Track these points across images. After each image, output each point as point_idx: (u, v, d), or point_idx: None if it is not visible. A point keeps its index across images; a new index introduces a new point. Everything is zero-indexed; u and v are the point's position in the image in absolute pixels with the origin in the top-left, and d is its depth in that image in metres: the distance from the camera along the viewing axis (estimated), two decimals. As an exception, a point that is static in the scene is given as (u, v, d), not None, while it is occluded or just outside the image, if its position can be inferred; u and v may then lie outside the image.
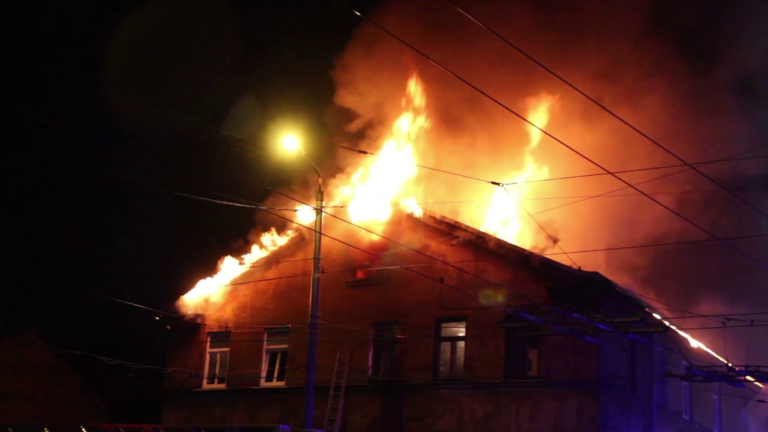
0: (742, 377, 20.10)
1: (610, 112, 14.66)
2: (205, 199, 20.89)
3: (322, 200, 22.30)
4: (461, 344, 24.42)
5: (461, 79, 14.06)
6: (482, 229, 25.02)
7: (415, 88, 26.75)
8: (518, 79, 25.29)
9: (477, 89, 13.01)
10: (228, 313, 27.84)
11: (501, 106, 14.35)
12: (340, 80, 26.70)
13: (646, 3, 27.48)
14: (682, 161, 16.36)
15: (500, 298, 22.12)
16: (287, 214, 24.62)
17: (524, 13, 26.49)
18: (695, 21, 27.33)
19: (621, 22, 27.32)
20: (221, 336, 27.88)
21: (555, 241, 22.05)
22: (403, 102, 26.77)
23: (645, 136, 14.84)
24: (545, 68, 12.99)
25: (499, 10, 25.73)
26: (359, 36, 26.66)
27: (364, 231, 24.36)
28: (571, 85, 13.88)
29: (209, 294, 27.95)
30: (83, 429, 20.16)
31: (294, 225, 26.19)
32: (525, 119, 14.90)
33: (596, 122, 24.42)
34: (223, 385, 27.73)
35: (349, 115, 26.45)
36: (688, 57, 27.41)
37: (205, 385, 27.97)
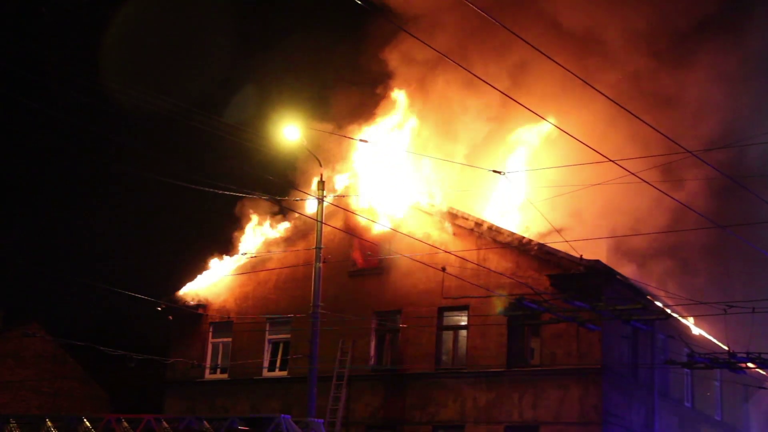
0: (744, 364, 20.12)
1: (617, 103, 14.64)
2: (208, 189, 20.88)
3: (323, 190, 22.28)
4: (463, 333, 24.45)
5: (462, 67, 14.08)
6: (484, 218, 25.01)
7: (417, 77, 26.70)
8: (520, 63, 25.26)
9: (482, 79, 13.00)
10: (230, 303, 27.87)
11: (501, 93, 14.35)
12: (343, 70, 26.68)
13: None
14: (684, 149, 16.34)
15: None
16: (289, 203, 24.61)
17: None
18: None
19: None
20: (223, 326, 27.91)
21: (558, 230, 22.03)
22: (405, 92, 26.71)
23: (648, 124, 14.84)
24: (553, 60, 12.98)
25: None
26: (362, 24, 26.63)
27: (365, 220, 24.36)
28: (584, 81, 13.86)
29: (211, 284, 27.98)
30: (85, 419, 20.18)
31: (296, 215, 26.19)
32: (529, 108, 14.85)
33: (598, 108, 24.35)
34: (225, 375, 27.78)
35: (351, 103, 26.41)
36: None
37: (208, 375, 28.02)
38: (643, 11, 26.36)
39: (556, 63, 13.45)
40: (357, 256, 26.00)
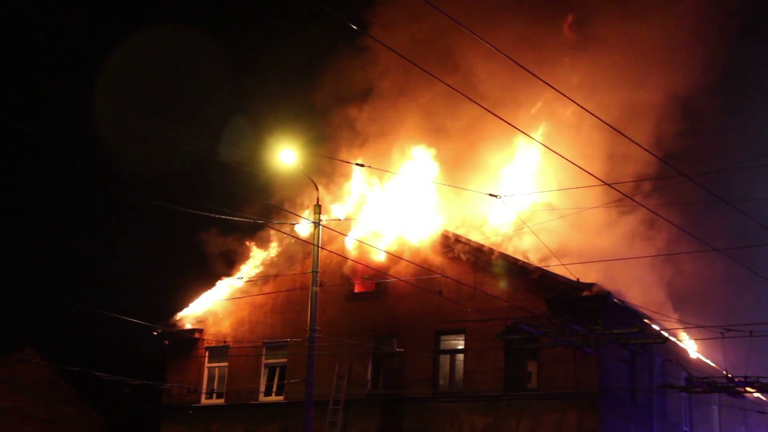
0: (742, 388, 20.07)
1: (607, 124, 14.68)
2: (204, 213, 20.87)
3: (319, 214, 22.26)
4: (460, 357, 24.37)
5: (456, 90, 14.11)
6: (480, 242, 25.00)
7: (412, 100, 26.80)
8: (514, 86, 25.38)
9: (477, 103, 13.04)
10: (226, 328, 27.77)
11: (497, 117, 14.38)
12: (337, 94, 26.75)
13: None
14: (679, 172, 16.38)
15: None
16: (286, 228, 24.59)
17: (519, 20, 26.63)
18: None
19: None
20: (220, 350, 27.79)
21: (555, 254, 22.02)
22: (400, 115, 26.80)
23: (643, 148, 14.89)
24: (541, 80, 13.03)
25: (490, 17, 25.96)
26: (354, 49, 26.73)
27: (362, 244, 24.35)
28: (568, 97, 13.91)
29: (207, 308, 27.90)
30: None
31: (292, 239, 26.15)
32: (523, 131, 14.93)
33: (593, 130, 24.45)
34: (221, 400, 27.62)
35: (346, 128, 26.45)
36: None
37: (204, 401, 27.85)
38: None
39: (552, 87, 13.51)
40: (354, 280, 25.96)
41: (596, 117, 14.26)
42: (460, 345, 24.42)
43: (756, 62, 29.10)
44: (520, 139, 25.64)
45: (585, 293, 22.03)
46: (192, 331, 27.90)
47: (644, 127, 25.66)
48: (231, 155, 20.81)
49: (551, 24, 27.22)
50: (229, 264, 27.55)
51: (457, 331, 24.17)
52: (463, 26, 12.32)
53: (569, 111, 24.99)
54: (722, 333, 19.01)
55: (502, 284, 23.57)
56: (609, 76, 26.48)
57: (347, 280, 25.93)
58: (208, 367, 28.04)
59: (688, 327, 23.41)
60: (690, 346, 25.39)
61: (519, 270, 23.54)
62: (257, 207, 23.72)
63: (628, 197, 16.87)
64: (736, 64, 28.26)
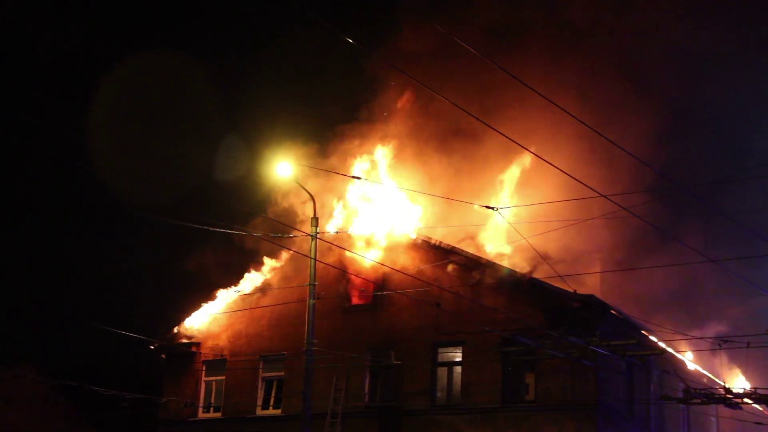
0: (740, 399, 20.07)
1: (601, 134, 14.72)
2: (200, 226, 20.83)
3: (316, 226, 22.26)
4: (458, 369, 24.34)
5: (455, 104, 14.17)
6: (477, 254, 25.01)
7: (408, 113, 26.87)
8: (507, 97, 25.47)
9: (473, 116, 13.08)
10: (223, 341, 27.73)
11: (492, 129, 14.43)
12: (335, 106, 26.84)
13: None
14: (675, 183, 16.43)
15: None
16: (282, 240, 24.58)
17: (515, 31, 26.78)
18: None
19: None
20: (217, 364, 27.74)
21: (552, 265, 22.03)
22: (397, 127, 26.87)
23: (639, 159, 14.92)
24: (535, 90, 13.08)
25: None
26: (352, 62, 26.83)
27: (359, 257, 24.35)
28: (559, 107, 13.95)
29: (204, 322, 27.86)
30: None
31: (289, 252, 26.15)
32: (519, 143, 14.96)
33: (587, 142, 24.51)
34: (218, 414, 27.55)
35: (343, 141, 26.50)
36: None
37: (201, 415, 27.78)
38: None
39: (547, 99, 13.56)
40: (351, 292, 25.95)
41: (590, 128, 14.31)
42: (458, 357, 24.40)
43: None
44: (517, 150, 25.66)
45: (582, 305, 22.04)
46: (189, 344, 27.85)
47: (640, 137, 25.74)
48: (227, 170, 20.85)
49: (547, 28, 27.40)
50: (225, 277, 27.55)
51: (454, 344, 24.17)
52: (463, 44, 12.38)
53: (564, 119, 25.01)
54: (720, 344, 19.04)
55: (500, 296, 23.56)
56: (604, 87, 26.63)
57: (344, 293, 25.92)
58: (205, 381, 27.98)
59: (685, 338, 23.40)
60: (688, 357, 25.40)
61: (516, 282, 23.53)
62: (254, 220, 23.75)
63: (624, 209, 16.88)
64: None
